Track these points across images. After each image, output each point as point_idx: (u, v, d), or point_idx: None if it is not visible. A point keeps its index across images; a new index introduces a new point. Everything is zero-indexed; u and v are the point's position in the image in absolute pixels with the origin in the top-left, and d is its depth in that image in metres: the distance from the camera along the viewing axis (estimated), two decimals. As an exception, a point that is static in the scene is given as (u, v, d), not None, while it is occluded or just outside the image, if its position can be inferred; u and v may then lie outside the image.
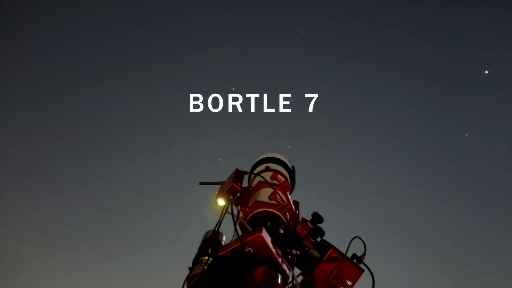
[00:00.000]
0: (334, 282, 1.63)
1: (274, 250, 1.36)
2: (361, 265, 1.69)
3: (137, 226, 6.96)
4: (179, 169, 7.39)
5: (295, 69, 7.78)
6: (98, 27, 7.22)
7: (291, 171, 2.11)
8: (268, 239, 1.37)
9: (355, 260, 1.69)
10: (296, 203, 1.93)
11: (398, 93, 7.94)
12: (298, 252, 1.62)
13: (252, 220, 1.65)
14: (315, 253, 1.64)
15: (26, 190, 6.88)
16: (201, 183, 1.85)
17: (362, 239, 1.72)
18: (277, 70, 7.83)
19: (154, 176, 7.25)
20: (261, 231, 1.35)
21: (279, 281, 1.34)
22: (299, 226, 1.62)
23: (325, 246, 1.67)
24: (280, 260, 1.38)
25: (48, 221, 6.81)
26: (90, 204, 6.95)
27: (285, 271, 1.39)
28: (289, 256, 1.60)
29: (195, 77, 7.48)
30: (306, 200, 2.01)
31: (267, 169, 1.98)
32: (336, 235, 1.79)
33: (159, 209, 7.07)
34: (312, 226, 1.66)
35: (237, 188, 1.67)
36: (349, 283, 1.64)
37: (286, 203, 1.75)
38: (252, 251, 1.34)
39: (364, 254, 1.72)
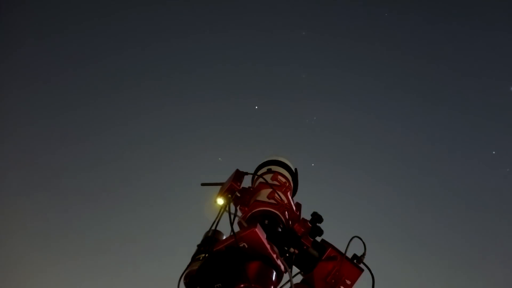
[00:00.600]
0: (333, 281, 1.63)
1: (268, 246, 1.38)
2: (361, 265, 1.69)
3: (136, 225, 6.91)
4: (178, 168, 7.36)
5: (296, 69, 7.72)
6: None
7: (294, 174, 2.13)
8: (262, 234, 1.39)
9: (355, 261, 1.69)
10: (298, 205, 1.95)
11: (420, 108, 7.85)
12: (296, 251, 1.64)
13: (251, 219, 1.67)
14: (314, 252, 1.64)
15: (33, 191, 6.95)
16: (202, 184, 1.89)
17: (362, 239, 1.72)
18: (278, 70, 7.79)
19: (153, 176, 7.20)
20: (255, 227, 1.38)
21: (273, 277, 1.34)
22: (296, 224, 1.64)
23: (325, 245, 1.68)
24: (275, 256, 1.39)
25: (52, 223, 6.84)
26: (87, 207, 6.94)
27: (280, 267, 1.40)
28: (287, 254, 1.62)
29: (196, 76, 7.50)
30: (306, 199, 2.03)
31: (269, 171, 2.01)
32: (339, 235, 1.80)
33: (157, 209, 7.02)
34: (310, 225, 1.67)
35: (236, 187, 1.70)
36: (348, 282, 1.64)
37: (285, 202, 1.77)
38: (246, 246, 1.36)
39: (364, 254, 1.71)
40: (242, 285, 1.22)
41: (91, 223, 6.82)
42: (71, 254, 6.57)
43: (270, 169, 2.03)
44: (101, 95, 7.19)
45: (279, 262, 1.39)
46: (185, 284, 1.41)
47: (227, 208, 1.63)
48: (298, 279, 1.71)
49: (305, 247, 1.64)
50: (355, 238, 1.70)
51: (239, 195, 1.75)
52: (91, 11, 7.01)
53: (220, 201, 1.70)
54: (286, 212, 1.75)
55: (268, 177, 1.91)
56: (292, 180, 2.09)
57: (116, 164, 7.18)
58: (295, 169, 2.17)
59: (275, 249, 1.47)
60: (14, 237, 6.57)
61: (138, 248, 6.74)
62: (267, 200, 1.74)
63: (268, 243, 1.40)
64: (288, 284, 1.62)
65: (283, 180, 1.94)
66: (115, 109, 7.26)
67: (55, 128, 7.11)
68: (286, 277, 1.66)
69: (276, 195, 1.74)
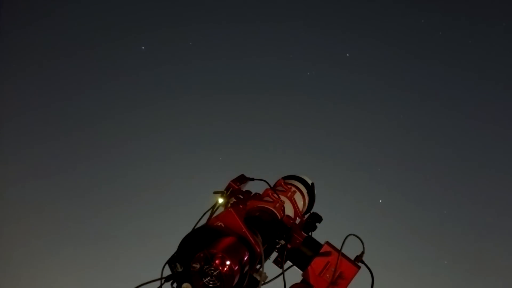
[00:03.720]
0: (327, 276, 1.63)
1: (244, 226, 1.45)
2: (361, 264, 1.67)
3: (135, 227, 6.78)
4: (179, 167, 7.21)
5: (301, 67, 7.40)
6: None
7: (310, 187, 2.16)
8: (239, 215, 1.47)
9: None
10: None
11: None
12: (289, 245, 1.67)
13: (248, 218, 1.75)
14: (305, 249, 1.67)
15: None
16: (215, 193, 2.01)
17: (360, 237, 1.70)
18: (281, 70, 7.52)
19: (154, 176, 7.10)
20: (232, 207, 1.47)
21: (245, 254, 1.37)
22: (285, 217, 1.69)
23: (319, 242, 1.70)
24: (251, 238, 1.44)
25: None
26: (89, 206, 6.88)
27: (255, 247, 1.44)
28: (278, 246, 1.66)
29: (196, 75, 7.40)
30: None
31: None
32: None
33: (157, 209, 6.82)
34: (304, 220, 1.71)
35: (234, 187, 1.80)
36: (345, 279, 1.63)
37: (282, 201, 1.82)
38: (223, 225, 1.45)
39: (363, 252, 1.69)
40: (203, 252, 1.29)
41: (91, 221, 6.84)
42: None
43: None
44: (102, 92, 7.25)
45: (254, 242, 1.44)
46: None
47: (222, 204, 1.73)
48: (295, 275, 1.72)
49: (298, 241, 1.67)
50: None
51: (241, 197, 1.84)
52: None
53: (220, 200, 1.80)
54: (282, 210, 1.80)
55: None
56: (308, 193, 2.14)
57: (115, 161, 7.12)
58: (312, 183, 2.21)
59: (259, 236, 1.53)
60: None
61: (141, 248, 6.62)
62: (263, 199, 1.81)
63: (247, 227, 1.46)
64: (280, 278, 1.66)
65: (288, 186, 2.00)
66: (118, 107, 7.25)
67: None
68: (279, 270, 1.70)
69: (270, 192, 1.80)
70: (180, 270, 1.42)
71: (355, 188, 7.05)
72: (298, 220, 1.90)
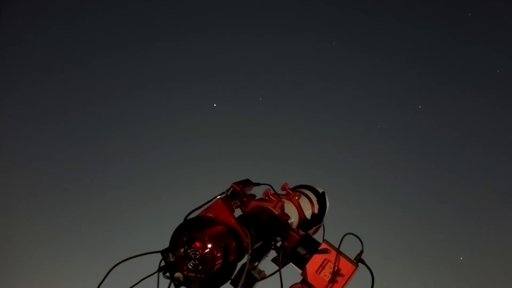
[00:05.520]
0: (326, 274, 1.62)
1: (233, 216, 1.48)
2: (360, 264, 1.65)
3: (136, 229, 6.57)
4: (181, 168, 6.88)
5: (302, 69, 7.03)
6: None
7: (320, 195, 2.16)
8: (229, 207, 1.51)
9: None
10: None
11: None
12: (286, 243, 1.68)
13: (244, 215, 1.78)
14: (304, 245, 1.67)
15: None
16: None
17: (358, 235, 1.68)
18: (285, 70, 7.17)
19: (156, 177, 6.76)
20: (221, 198, 1.52)
21: (230, 244, 1.38)
22: (280, 213, 1.70)
23: (317, 241, 1.69)
24: (240, 228, 1.47)
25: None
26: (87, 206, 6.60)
27: (242, 238, 1.46)
28: (274, 243, 1.67)
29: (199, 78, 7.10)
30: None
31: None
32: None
33: (163, 218, 6.67)
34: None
35: (236, 188, 1.83)
36: (342, 277, 1.61)
37: (282, 201, 1.84)
38: (213, 216, 1.49)
39: (362, 251, 1.67)
40: (185, 236, 1.33)
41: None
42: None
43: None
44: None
45: (242, 233, 1.46)
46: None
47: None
48: (295, 276, 1.71)
49: (294, 239, 1.68)
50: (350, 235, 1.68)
51: (244, 199, 1.87)
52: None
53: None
54: (281, 209, 1.81)
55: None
56: (318, 201, 2.14)
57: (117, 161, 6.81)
58: (322, 192, 2.21)
59: (252, 230, 1.55)
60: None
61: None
62: (264, 200, 1.84)
63: (237, 219, 1.49)
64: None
65: (293, 192, 2.01)
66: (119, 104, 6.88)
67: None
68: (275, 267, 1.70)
69: (272, 193, 1.83)
70: (172, 260, 1.46)
71: (354, 189, 6.81)
72: None
